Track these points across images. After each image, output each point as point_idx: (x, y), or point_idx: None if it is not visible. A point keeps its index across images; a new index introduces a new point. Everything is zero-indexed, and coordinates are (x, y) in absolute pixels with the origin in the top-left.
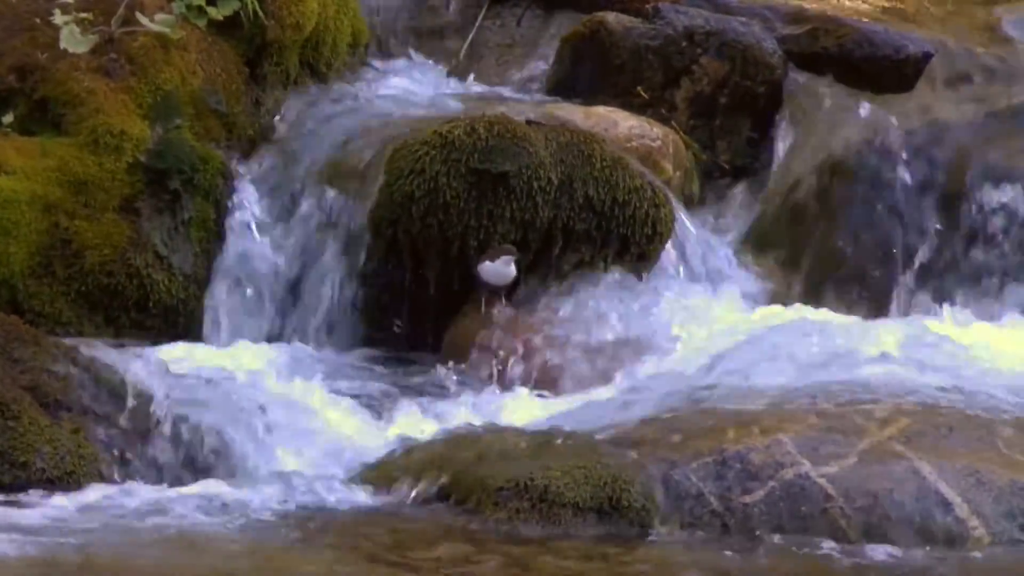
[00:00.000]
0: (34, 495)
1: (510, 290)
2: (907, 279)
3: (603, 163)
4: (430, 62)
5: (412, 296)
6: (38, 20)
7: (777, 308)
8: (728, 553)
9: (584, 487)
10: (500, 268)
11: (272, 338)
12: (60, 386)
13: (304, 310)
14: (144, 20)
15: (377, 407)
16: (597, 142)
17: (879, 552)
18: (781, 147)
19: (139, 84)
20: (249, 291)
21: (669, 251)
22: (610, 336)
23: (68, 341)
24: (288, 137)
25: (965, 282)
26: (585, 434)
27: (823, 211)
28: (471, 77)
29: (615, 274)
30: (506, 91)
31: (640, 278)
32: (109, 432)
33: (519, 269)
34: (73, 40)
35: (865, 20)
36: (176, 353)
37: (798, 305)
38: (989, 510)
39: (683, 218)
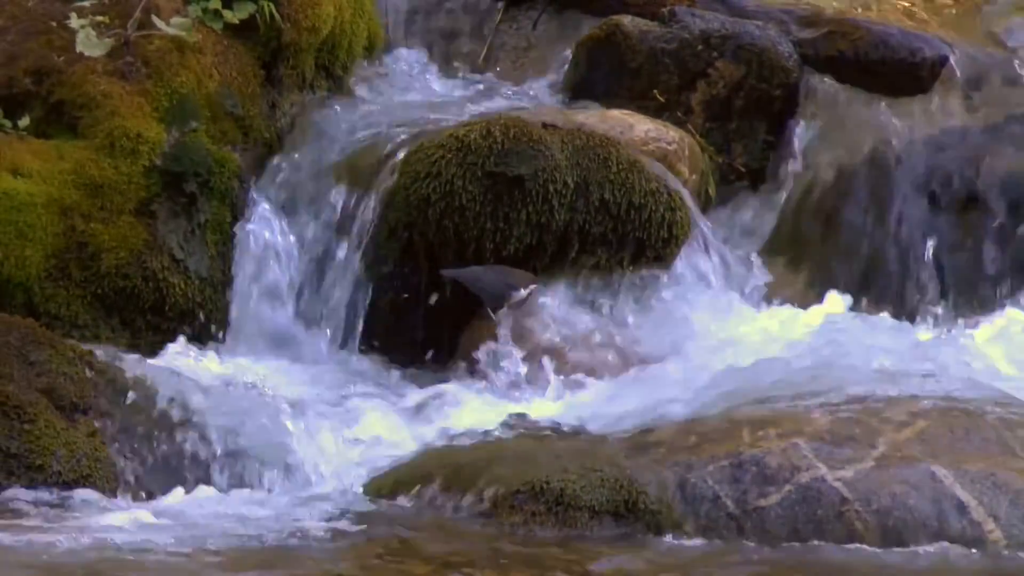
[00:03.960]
0: (50, 498)
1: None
2: (923, 282)
3: (619, 166)
4: (446, 65)
5: (427, 299)
6: (54, 23)
7: (793, 311)
8: (744, 556)
9: (600, 490)
10: (523, 294)
11: (287, 342)
12: (76, 389)
13: (319, 314)
14: (160, 23)
15: (391, 411)
16: (613, 145)
17: (895, 556)
18: (797, 150)
19: (155, 87)
20: (264, 295)
21: (685, 254)
22: (625, 338)
23: (85, 345)
24: (304, 140)
25: (980, 286)
26: (601, 436)
27: (839, 214)
28: (487, 80)
29: (631, 276)
30: (522, 94)
31: (656, 281)
32: (125, 436)
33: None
34: (89, 43)
35: (881, 23)
36: (192, 357)
37: (814, 308)
38: (1005, 513)
39: (699, 221)
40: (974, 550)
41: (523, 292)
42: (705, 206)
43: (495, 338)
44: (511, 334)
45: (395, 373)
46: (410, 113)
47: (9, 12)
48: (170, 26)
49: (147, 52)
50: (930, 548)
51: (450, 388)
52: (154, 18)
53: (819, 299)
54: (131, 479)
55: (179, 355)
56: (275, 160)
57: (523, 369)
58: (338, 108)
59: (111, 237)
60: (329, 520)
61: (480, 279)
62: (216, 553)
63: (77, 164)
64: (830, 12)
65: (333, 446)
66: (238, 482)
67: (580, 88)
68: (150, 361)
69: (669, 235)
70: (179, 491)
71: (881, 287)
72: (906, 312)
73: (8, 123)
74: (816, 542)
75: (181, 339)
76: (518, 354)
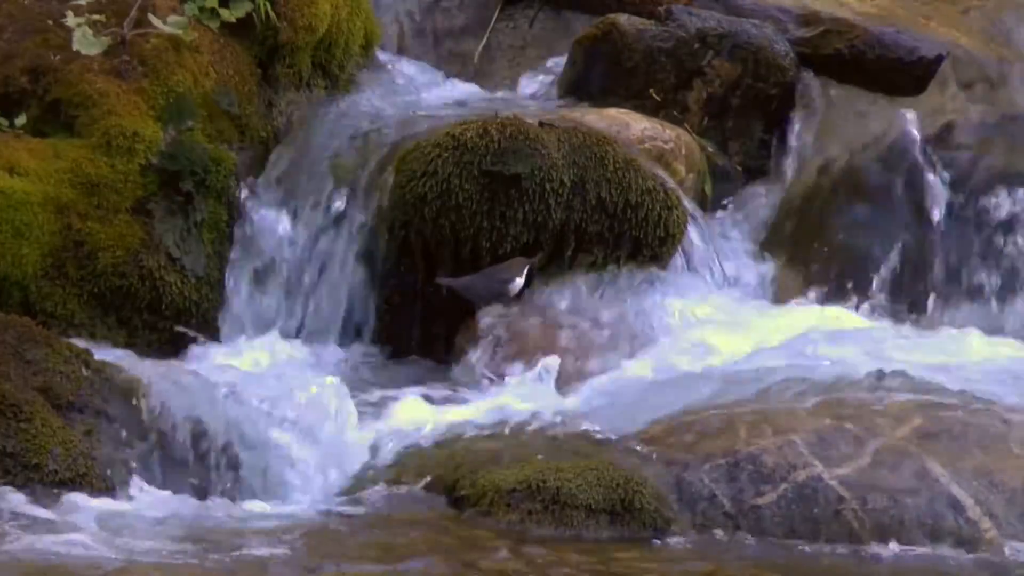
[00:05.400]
0: (44, 497)
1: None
2: (919, 280)
3: (615, 165)
4: (443, 64)
5: (424, 297)
6: (51, 22)
7: (789, 308)
8: (741, 555)
9: (596, 489)
10: (520, 283)
11: (285, 340)
12: (73, 388)
13: (317, 312)
14: (156, 22)
15: (389, 409)
16: (610, 144)
17: (891, 554)
18: (793, 148)
19: (151, 86)
20: (261, 294)
21: (681, 252)
22: (622, 336)
23: (81, 344)
24: (301, 138)
25: (976, 283)
26: (598, 434)
27: (835, 212)
28: (484, 79)
29: (626, 274)
30: (519, 93)
31: (652, 278)
32: (121, 435)
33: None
34: (86, 42)
35: (877, 22)
36: (189, 356)
37: (810, 305)
38: (1001, 511)
39: (695, 219)
40: (970, 548)
41: (519, 281)
42: (702, 204)
43: (490, 335)
44: (507, 332)
45: (391, 371)
46: (406, 111)
47: (6, 10)
48: (167, 25)
49: (144, 51)
50: (926, 546)
51: (446, 386)
52: (151, 16)
53: (816, 296)
54: (128, 479)
55: (178, 354)
56: (272, 158)
57: (519, 367)
58: (335, 106)
59: (107, 236)
60: (327, 519)
61: (472, 286)
62: (217, 553)
63: (73, 163)
64: (826, 11)
65: (330, 445)
66: (235, 482)
67: (577, 87)
68: (147, 360)
69: (665, 233)
70: (176, 490)
71: (877, 284)
72: (902, 309)
73: (5, 122)
74: (812, 540)
75: (178, 337)
76: (514, 352)
